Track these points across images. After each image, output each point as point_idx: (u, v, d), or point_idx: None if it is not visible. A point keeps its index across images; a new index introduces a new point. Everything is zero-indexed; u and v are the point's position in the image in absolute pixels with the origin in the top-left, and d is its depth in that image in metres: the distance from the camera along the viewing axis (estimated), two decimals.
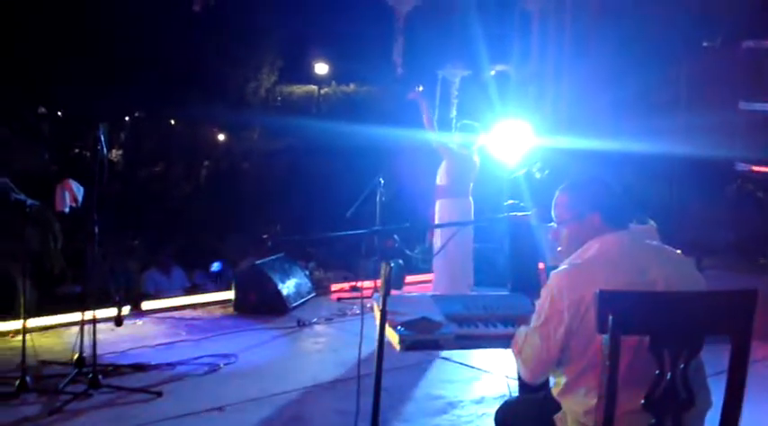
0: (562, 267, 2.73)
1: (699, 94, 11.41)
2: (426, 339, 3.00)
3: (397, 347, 3.01)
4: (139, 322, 6.83)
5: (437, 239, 7.07)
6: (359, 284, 8.02)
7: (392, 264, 2.97)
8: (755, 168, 11.18)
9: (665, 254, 2.79)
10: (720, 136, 11.01)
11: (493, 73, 11.44)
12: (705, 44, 11.99)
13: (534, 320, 2.71)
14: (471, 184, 7.04)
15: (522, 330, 2.82)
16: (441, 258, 6.70)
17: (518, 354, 2.80)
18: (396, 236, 3.12)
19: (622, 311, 2.41)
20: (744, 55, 11.50)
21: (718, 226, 10.25)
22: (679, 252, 2.84)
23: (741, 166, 11.40)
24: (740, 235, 10.34)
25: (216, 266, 9.65)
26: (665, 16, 11.01)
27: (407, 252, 3.15)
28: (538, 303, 2.72)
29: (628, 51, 11.00)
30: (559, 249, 2.90)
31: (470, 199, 6.99)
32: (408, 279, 8.31)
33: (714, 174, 11.12)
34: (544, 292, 2.70)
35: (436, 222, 7.00)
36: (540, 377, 2.79)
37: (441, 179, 7.04)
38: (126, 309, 6.62)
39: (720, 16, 11.53)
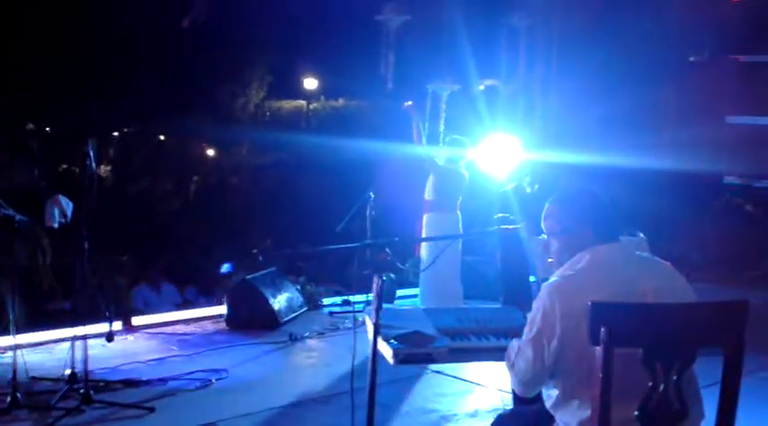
0: (553, 279, 2.74)
1: (686, 109, 11.50)
2: (420, 352, 3.01)
3: (391, 360, 3.02)
4: (131, 337, 6.80)
5: (424, 253, 7.08)
6: (350, 298, 8.01)
7: (384, 278, 2.98)
8: (742, 182, 11.26)
9: (656, 266, 2.82)
10: (708, 150, 11.09)
11: (482, 87, 11.49)
12: (692, 59, 12.11)
13: (526, 333, 2.72)
14: (460, 199, 7.06)
15: (515, 343, 2.82)
16: (428, 273, 6.71)
17: (511, 367, 2.81)
18: (388, 250, 3.14)
19: (615, 323, 2.42)
20: (730, 69, 11.61)
21: (706, 239, 10.30)
22: (668, 264, 2.87)
23: (729, 180, 11.48)
24: (729, 249, 10.39)
25: (226, 267, 9.61)
26: (652, 32, 11.11)
27: (399, 265, 3.17)
28: (529, 315, 2.73)
29: (615, 66, 11.09)
30: (550, 260, 2.92)
31: (458, 213, 7.01)
32: (399, 292, 8.31)
33: (702, 188, 11.20)
34: (536, 304, 2.70)
35: (423, 236, 7.01)
36: (534, 389, 2.80)
37: (428, 193, 7.07)
38: (117, 325, 6.59)
39: (707, 31, 11.65)
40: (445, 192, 6.95)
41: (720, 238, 10.44)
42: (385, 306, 3.01)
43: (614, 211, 2.85)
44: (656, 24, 11.15)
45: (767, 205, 10.73)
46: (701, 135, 11.22)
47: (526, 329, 2.73)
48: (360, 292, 7.54)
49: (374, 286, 2.96)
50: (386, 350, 3.02)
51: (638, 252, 2.88)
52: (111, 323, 5.86)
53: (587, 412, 2.57)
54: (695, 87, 11.48)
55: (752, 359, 2.53)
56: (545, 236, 2.91)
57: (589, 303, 2.46)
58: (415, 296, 8.15)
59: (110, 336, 5.73)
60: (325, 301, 8.12)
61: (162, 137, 13.80)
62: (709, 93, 11.55)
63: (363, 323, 3.79)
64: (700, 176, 10.79)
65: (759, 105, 11.19)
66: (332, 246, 3.58)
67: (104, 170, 12.38)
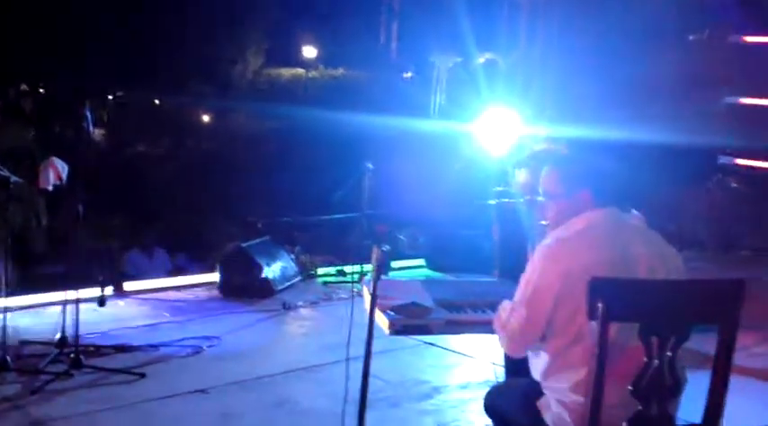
0: (548, 240, 2.76)
1: (684, 87, 11.46)
2: (417, 324, 3.02)
3: (387, 331, 3.02)
4: (122, 303, 6.79)
5: None
6: (346, 268, 8.01)
7: (383, 248, 2.97)
8: (739, 161, 11.26)
9: (649, 235, 2.85)
10: (704, 128, 11.07)
11: (482, 60, 11.41)
12: (692, 37, 12.04)
13: (521, 292, 2.74)
14: None
15: (507, 304, 2.84)
16: None
17: (502, 328, 2.82)
18: (387, 221, 3.13)
19: (612, 298, 2.44)
20: (730, 49, 11.56)
21: (699, 217, 10.33)
22: (659, 234, 2.88)
23: (724, 159, 11.48)
24: (720, 227, 10.43)
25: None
26: (652, 9, 11.04)
27: (400, 237, 3.16)
28: (523, 276, 2.74)
29: (614, 42, 11.03)
30: (546, 223, 2.93)
31: None
32: (395, 264, 8.30)
33: (697, 167, 11.20)
34: (531, 265, 2.73)
35: None
36: (523, 350, 2.83)
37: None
38: (109, 289, 6.58)
39: (707, 10, 11.58)
40: None
41: (712, 216, 10.47)
42: (382, 277, 3.00)
43: (612, 179, 2.87)
44: (655, 2, 11.08)
45: (759, 185, 10.74)
46: (698, 113, 11.21)
47: (520, 289, 2.75)
48: (355, 263, 7.56)
49: (373, 256, 2.95)
50: (382, 321, 3.02)
51: (629, 221, 2.91)
52: (103, 287, 5.87)
53: (581, 374, 2.58)
54: (694, 66, 11.44)
55: (741, 336, 2.54)
56: (542, 199, 2.91)
57: (584, 266, 2.54)
58: (410, 267, 8.17)
59: (101, 301, 5.74)
60: (320, 271, 8.12)
61: (157, 102, 13.70)
62: (708, 72, 11.52)
63: (359, 293, 3.78)
64: (694, 154, 10.79)
65: (756, 86, 11.17)
66: (331, 216, 3.56)
67: (99, 133, 12.30)
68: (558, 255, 2.68)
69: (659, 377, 2.46)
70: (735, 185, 11.34)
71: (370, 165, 6.98)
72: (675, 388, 2.51)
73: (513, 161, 4.80)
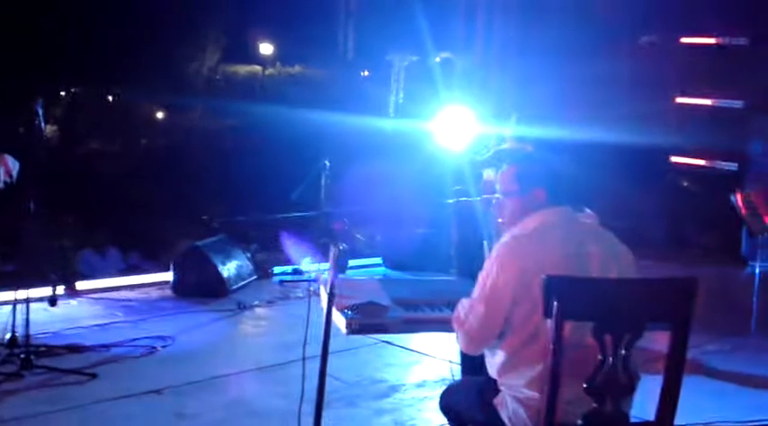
0: (505, 238, 2.80)
1: (636, 88, 11.64)
2: (374, 322, 3.01)
3: (344, 330, 3.01)
4: (74, 302, 6.68)
5: None
6: (302, 267, 7.97)
7: (341, 247, 2.96)
8: (688, 161, 11.48)
9: (601, 233, 2.90)
10: (656, 129, 11.26)
11: (438, 59, 11.45)
12: (643, 39, 12.24)
13: (479, 290, 2.76)
14: None
15: (465, 301, 2.86)
16: None
17: (460, 326, 2.84)
18: (345, 219, 3.12)
19: (566, 296, 2.46)
20: (681, 51, 11.77)
21: (652, 216, 10.50)
22: (610, 232, 2.93)
23: (675, 159, 11.68)
24: (673, 226, 10.61)
25: None
26: (606, 11, 11.20)
27: (357, 235, 3.15)
28: (481, 274, 2.77)
29: (570, 43, 11.16)
30: (500, 221, 2.97)
31: None
32: (352, 263, 8.29)
33: (649, 166, 11.38)
34: (488, 263, 2.76)
35: None
36: (481, 347, 2.84)
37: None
38: (60, 289, 6.46)
39: (658, 13, 11.78)
40: None
41: (664, 216, 10.66)
42: (340, 275, 2.99)
43: (566, 178, 2.91)
44: (609, 4, 11.24)
45: (709, 184, 10.95)
46: (650, 114, 11.39)
47: (478, 286, 2.78)
48: (313, 261, 7.53)
49: (331, 255, 2.94)
50: (339, 320, 3.01)
51: (583, 219, 2.97)
52: (54, 286, 5.76)
53: (536, 371, 2.61)
54: (647, 67, 11.63)
55: (693, 335, 2.58)
56: (499, 196, 2.93)
57: (539, 263, 2.58)
58: (367, 266, 8.16)
59: (53, 300, 5.64)
60: (276, 270, 8.07)
61: (111, 98, 13.49)
62: (660, 73, 11.72)
63: (316, 292, 3.76)
64: (646, 154, 10.97)
65: (704, 87, 11.40)
66: (288, 214, 3.55)
67: (50, 130, 12.07)
68: (514, 253, 2.71)
69: (613, 374, 2.49)
70: (686, 184, 11.56)
71: (327, 163, 6.98)
72: (629, 386, 2.55)
73: (470, 160, 4.83)
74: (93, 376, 4.86)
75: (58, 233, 8.53)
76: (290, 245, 6.97)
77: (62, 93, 12.64)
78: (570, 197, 2.92)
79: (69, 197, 9.69)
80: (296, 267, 8.03)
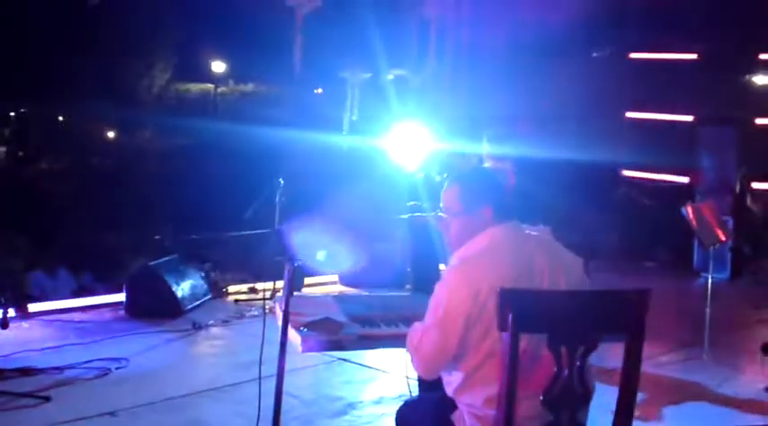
0: (453, 261, 2.77)
1: (588, 103, 11.84)
2: (329, 339, 2.99)
3: (300, 348, 2.98)
4: (25, 324, 6.53)
5: None
6: (257, 286, 7.92)
7: (296, 264, 2.95)
8: (640, 175, 11.68)
9: (549, 245, 2.88)
10: (607, 143, 11.46)
11: (391, 77, 11.53)
12: (595, 55, 12.47)
13: (431, 315, 2.72)
14: None
15: (418, 326, 2.81)
16: None
17: (415, 351, 2.79)
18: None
19: (521, 309, 2.46)
20: (631, 66, 12.01)
21: (604, 229, 10.64)
22: (557, 242, 2.93)
23: (627, 173, 11.88)
24: (624, 240, 10.76)
25: None
26: (557, 27, 11.37)
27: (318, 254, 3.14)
28: (432, 298, 2.73)
29: (521, 59, 11.31)
30: (448, 241, 2.93)
31: None
32: (308, 280, 8.26)
33: (601, 180, 11.56)
34: (439, 287, 2.71)
35: None
36: (437, 371, 2.81)
37: None
38: (11, 311, 6.32)
39: (609, 28, 12.02)
40: None
41: (617, 229, 10.81)
42: (294, 293, 2.98)
43: (513, 195, 2.90)
44: (559, 20, 11.41)
45: (661, 198, 11.15)
46: (601, 128, 11.59)
47: (431, 311, 2.73)
48: (267, 279, 7.47)
49: (285, 273, 2.92)
50: (295, 338, 2.99)
51: (527, 231, 2.92)
52: (5, 309, 5.63)
53: (494, 389, 2.59)
54: (597, 82, 11.83)
55: (646, 346, 2.61)
56: (444, 216, 2.91)
57: (492, 284, 2.53)
58: (322, 283, 8.13)
59: (4, 323, 5.50)
60: (231, 289, 8.00)
61: (60, 118, 13.31)
62: (611, 88, 11.93)
63: (271, 310, 3.74)
64: (598, 168, 11.14)
65: (654, 102, 11.63)
66: (241, 233, 3.52)
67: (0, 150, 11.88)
68: (464, 276, 2.67)
69: (569, 386, 2.51)
70: (638, 198, 11.76)
71: (281, 181, 6.95)
72: (585, 397, 2.56)
73: (425, 176, 4.85)
74: (47, 399, 4.76)
75: (8, 254, 8.37)
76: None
77: (11, 114, 12.45)
78: (517, 213, 2.86)
79: (18, 218, 9.52)
80: (251, 286, 7.97)
